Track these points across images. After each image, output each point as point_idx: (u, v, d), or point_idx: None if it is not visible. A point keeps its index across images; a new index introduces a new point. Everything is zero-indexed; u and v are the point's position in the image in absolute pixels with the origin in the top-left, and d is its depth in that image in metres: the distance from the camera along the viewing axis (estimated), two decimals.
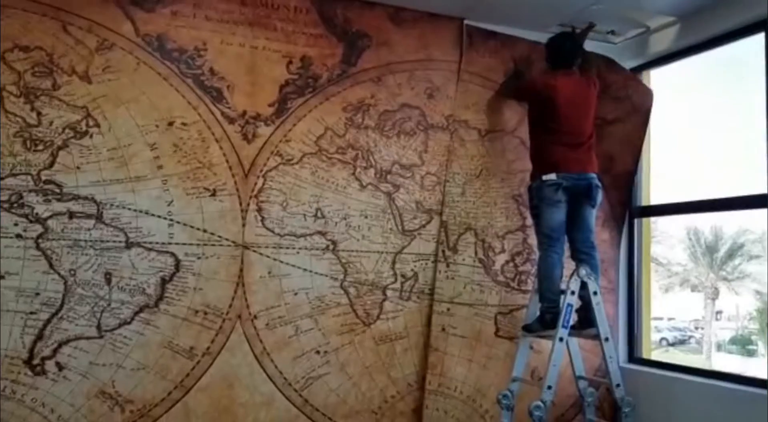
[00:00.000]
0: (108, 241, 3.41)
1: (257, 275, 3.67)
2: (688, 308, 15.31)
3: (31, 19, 3.35)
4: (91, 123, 3.41)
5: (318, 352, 3.77)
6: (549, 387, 3.58)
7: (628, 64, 4.53)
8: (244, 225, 3.66)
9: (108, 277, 3.40)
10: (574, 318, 3.72)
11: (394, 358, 3.93)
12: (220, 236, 3.61)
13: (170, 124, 3.55)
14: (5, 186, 3.25)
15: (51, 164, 3.33)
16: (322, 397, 3.76)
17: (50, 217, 3.32)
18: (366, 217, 3.91)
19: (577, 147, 3.84)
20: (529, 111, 4.06)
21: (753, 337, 14.20)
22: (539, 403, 3.54)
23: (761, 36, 3.76)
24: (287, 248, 3.74)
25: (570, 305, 3.67)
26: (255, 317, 3.66)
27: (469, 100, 4.18)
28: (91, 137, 3.41)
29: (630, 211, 4.50)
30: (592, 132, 3.91)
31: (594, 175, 3.83)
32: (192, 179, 3.57)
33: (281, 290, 3.72)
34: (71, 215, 3.35)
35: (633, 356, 4.45)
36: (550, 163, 3.82)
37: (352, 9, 3.94)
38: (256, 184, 3.70)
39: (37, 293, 3.28)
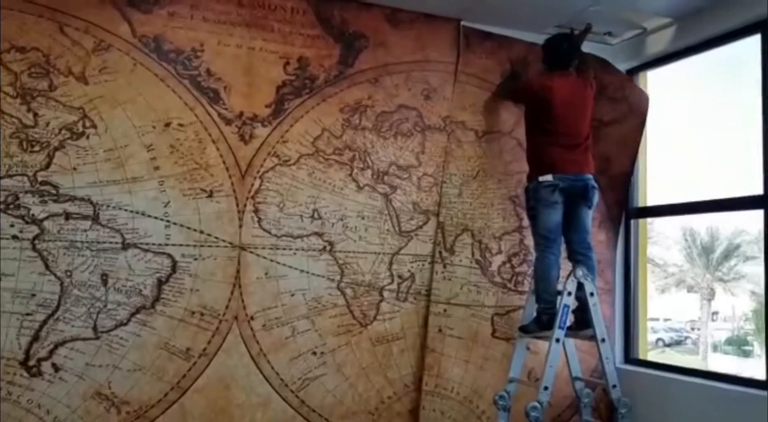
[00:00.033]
0: (104, 242, 3.41)
1: (254, 277, 3.67)
2: (685, 309, 15.35)
3: (28, 20, 3.34)
4: (87, 124, 3.41)
5: (315, 353, 3.77)
6: (546, 388, 3.58)
7: (625, 65, 4.55)
8: (240, 226, 3.66)
9: (104, 278, 3.39)
10: (570, 319, 3.72)
11: (391, 359, 3.93)
12: (216, 238, 3.61)
13: (167, 125, 3.55)
14: (1, 187, 3.24)
15: (47, 165, 3.33)
16: (319, 398, 3.76)
17: (46, 218, 3.31)
18: (363, 218, 3.91)
19: (573, 148, 3.84)
20: (526, 112, 4.06)
21: (749, 338, 14.23)
22: (536, 404, 3.54)
23: (757, 37, 3.77)
24: (284, 249, 3.74)
25: (566, 306, 3.67)
26: (252, 318, 3.66)
27: (466, 101, 4.18)
28: (87, 138, 3.40)
29: (626, 212, 4.51)
30: (589, 133, 3.92)
31: (590, 176, 3.84)
32: (189, 180, 3.57)
33: (278, 292, 3.71)
34: (67, 216, 3.35)
35: (629, 357, 4.46)
36: (547, 164, 3.82)
37: (349, 10, 3.94)
38: (253, 185, 3.70)
39: (33, 295, 3.27)
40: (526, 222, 4.12)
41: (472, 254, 4.13)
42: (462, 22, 4.18)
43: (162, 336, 3.48)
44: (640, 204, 4.53)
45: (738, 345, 14.34)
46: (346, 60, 3.93)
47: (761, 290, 3.71)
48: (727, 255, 15.25)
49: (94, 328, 3.36)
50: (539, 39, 4.14)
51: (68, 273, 3.33)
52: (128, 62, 3.51)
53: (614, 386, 3.72)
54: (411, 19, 4.08)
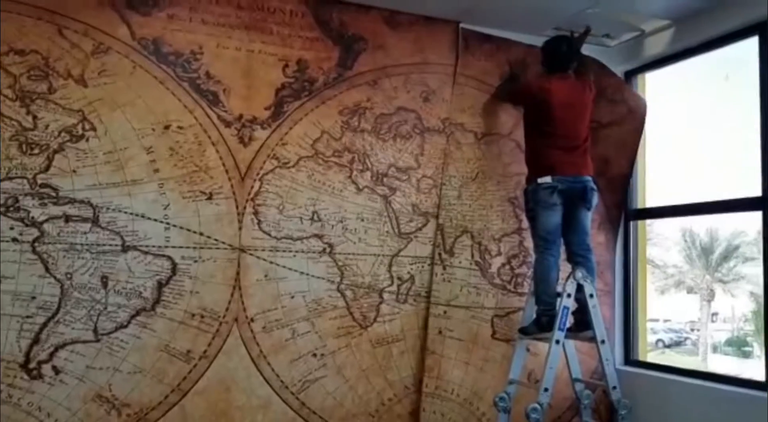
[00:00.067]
0: (104, 244, 3.41)
1: (254, 279, 3.67)
2: (684, 310, 15.34)
3: (27, 23, 3.35)
4: (87, 127, 3.41)
5: (315, 355, 3.77)
6: (546, 390, 3.58)
7: (623, 67, 4.56)
8: (240, 228, 3.66)
9: (104, 281, 3.40)
10: (570, 321, 3.72)
11: (391, 361, 3.93)
12: (216, 240, 3.61)
13: (166, 127, 3.55)
14: (1, 190, 3.24)
15: (47, 168, 3.33)
16: (319, 400, 3.76)
17: (46, 221, 3.31)
18: (362, 220, 3.92)
19: (572, 150, 3.85)
20: (525, 114, 4.07)
21: (748, 339, 14.22)
22: (536, 406, 3.54)
23: (755, 39, 3.78)
24: (284, 251, 3.74)
25: (566, 307, 3.68)
26: (252, 320, 3.66)
27: (465, 103, 4.18)
28: (87, 140, 3.40)
29: (625, 213, 4.52)
30: (588, 135, 3.92)
31: (589, 178, 3.84)
32: (188, 182, 3.57)
33: (278, 294, 3.72)
34: (67, 218, 3.35)
35: (629, 358, 4.46)
36: (546, 166, 3.83)
37: (347, 12, 3.95)
38: (252, 187, 3.70)
39: (34, 297, 3.27)
40: (525, 224, 4.12)
41: (472, 255, 4.14)
42: (461, 25, 4.19)
43: (162, 339, 3.48)
44: (639, 206, 4.54)
45: (738, 346, 14.33)
46: (345, 62, 3.94)
47: (760, 290, 3.71)
48: (726, 256, 15.25)
49: (95, 330, 3.37)
50: (538, 41, 4.15)
51: (68, 276, 3.34)
52: (127, 65, 3.51)
53: (614, 387, 3.73)
54: (410, 21, 4.08)
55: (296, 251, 3.76)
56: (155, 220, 3.50)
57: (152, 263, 3.49)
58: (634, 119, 4.38)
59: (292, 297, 3.74)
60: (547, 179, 3.79)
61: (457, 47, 4.18)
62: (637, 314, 4.50)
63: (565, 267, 3.90)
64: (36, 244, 3.29)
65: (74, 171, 3.37)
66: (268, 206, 3.72)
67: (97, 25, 3.47)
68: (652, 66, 4.48)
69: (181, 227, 3.54)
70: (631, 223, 4.55)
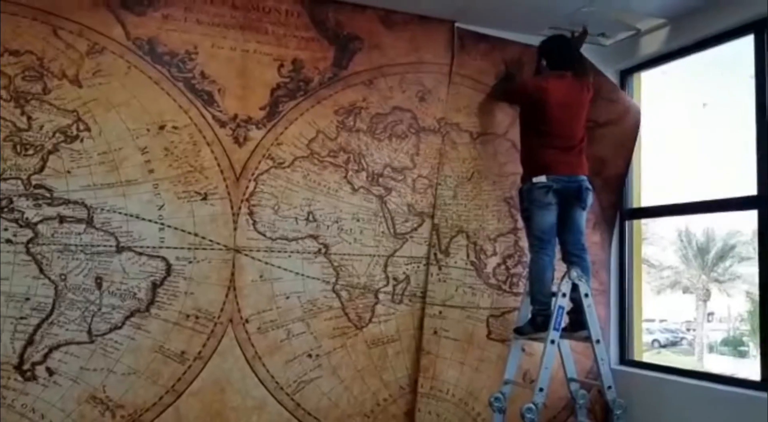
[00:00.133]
0: (98, 245, 3.40)
1: (249, 279, 3.67)
2: (680, 310, 15.36)
3: (21, 23, 3.34)
4: (81, 127, 3.40)
5: (310, 356, 3.77)
6: (541, 390, 3.58)
7: (619, 66, 4.56)
8: (235, 229, 3.65)
9: (99, 282, 3.39)
10: (565, 321, 3.72)
11: (387, 361, 3.93)
12: (211, 240, 3.60)
13: (161, 128, 3.55)
14: None
15: (41, 169, 3.32)
16: (314, 401, 3.76)
17: (40, 222, 3.30)
18: (358, 220, 3.91)
19: (568, 150, 3.85)
20: (521, 114, 4.07)
21: (744, 338, 14.24)
22: (531, 406, 3.54)
23: (751, 38, 3.78)
24: (279, 251, 3.73)
25: (561, 307, 3.68)
26: (246, 321, 3.65)
27: (461, 103, 4.18)
28: (81, 141, 3.40)
29: (621, 213, 4.52)
30: (584, 136, 3.92)
31: (584, 177, 3.84)
32: (183, 182, 3.56)
33: (273, 294, 3.71)
34: (61, 219, 3.34)
35: (624, 358, 4.46)
36: (541, 165, 3.82)
37: (343, 12, 3.95)
38: (247, 187, 3.69)
39: (27, 299, 3.27)
40: (520, 224, 4.12)
41: (467, 255, 4.14)
42: (456, 24, 4.19)
43: (157, 340, 3.47)
44: (635, 205, 4.54)
45: (734, 346, 14.35)
46: (341, 62, 3.93)
47: (756, 290, 3.71)
48: (722, 256, 15.27)
49: (89, 332, 3.36)
50: (533, 41, 4.15)
51: (62, 277, 3.33)
52: (122, 65, 3.51)
53: (609, 387, 3.73)
54: (405, 20, 4.08)
55: (291, 252, 3.76)
56: (150, 221, 3.49)
57: (147, 264, 3.48)
58: (630, 120, 4.38)
59: (287, 298, 3.74)
60: (542, 179, 3.78)
61: (453, 47, 4.18)
62: (633, 314, 4.50)
63: (560, 267, 3.90)
64: (30, 245, 3.28)
65: (69, 172, 3.36)
66: (263, 206, 3.72)
67: (92, 26, 3.47)
68: (647, 65, 4.48)
69: (175, 228, 3.54)
70: (627, 222, 4.55)
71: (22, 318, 3.25)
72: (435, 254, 4.06)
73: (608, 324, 4.42)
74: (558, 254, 3.90)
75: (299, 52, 3.84)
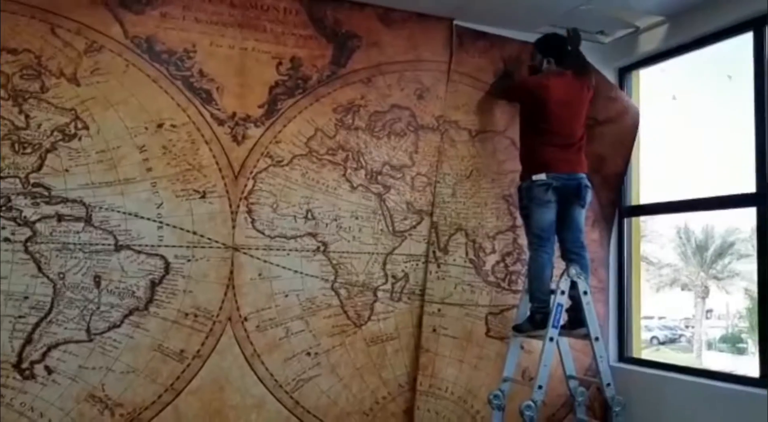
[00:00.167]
0: (97, 244, 3.39)
1: (247, 278, 3.67)
2: (679, 307, 15.37)
3: (19, 22, 3.33)
4: (79, 125, 3.40)
5: (309, 354, 3.76)
6: (540, 387, 3.58)
7: (617, 64, 4.56)
8: (234, 227, 3.65)
9: (97, 280, 3.38)
10: (564, 318, 3.72)
11: (385, 359, 3.93)
12: (209, 239, 3.60)
13: (159, 126, 3.54)
14: None
15: (39, 167, 3.31)
16: (313, 399, 3.76)
17: (39, 220, 3.30)
18: (357, 218, 3.91)
19: (567, 148, 3.84)
20: (521, 111, 4.06)
21: (743, 335, 14.26)
22: (530, 403, 3.54)
23: (749, 35, 3.78)
24: (278, 249, 3.73)
25: (560, 305, 3.68)
26: (245, 319, 3.65)
27: (459, 100, 4.18)
28: (79, 139, 3.39)
29: (620, 210, 4.52)
30: (583, 134, 3.92)
31: (583, 175, 3.84)
32: (181, 181, 3.56)
33: (272, 292, 3.71)
34: (60, 218, 3.34)
35: (623, 355, 4.47)
36: (541, 163, 3.82)
37: (341, 10, 3.94)
38: (246, 186, 3.69)
39: (26, 297, 3.26)
40: (519, 221, 4.12)
41: (466, 253, 4.14)
42: (455, 22, 4.18)
43: (155, 338, 3.47)
44: (634, 202, 4.54)
45: (732, 343, 14.37)
46: (339, 60, 3.93)
47: (755, 287, 3.72)
48: (721, 253, 15.28)
49: (87, 330, 3.35)
50: (532, 38, 4.15)
51: (61, 275, 3.32)
52: (120, 63, 3.50)
53: (608, 384, 3.73)
54: (403, 18, 4.08)
55: (290, 250, 3.76)
56: (148, 219, 3.49)
57: (145, 262, 3.48)
58: (629, 118, 4.38)
59: (286, 296, 3.73)
60: (542, 176, 3.78)
61: (451, 44, 4.17)
62: (631, 311, 4.51)
63: (559, 264, 3.90)
64: (28, 243, 3.28)
65: (67, 170, 3.36)
66: (262, 204, 3.71)
67: (90, 24, 3.46)
68: (646, 62, 4.48)
69: (174, 226, 3.53)
70: (626, 220, 4.56)
71: (20, 316, 3.25)
72: (434, 251, 4.06)
73: (607, 322, 4.43)
74: (557, 252, 3.90)
75: (298, 50, 3.84)
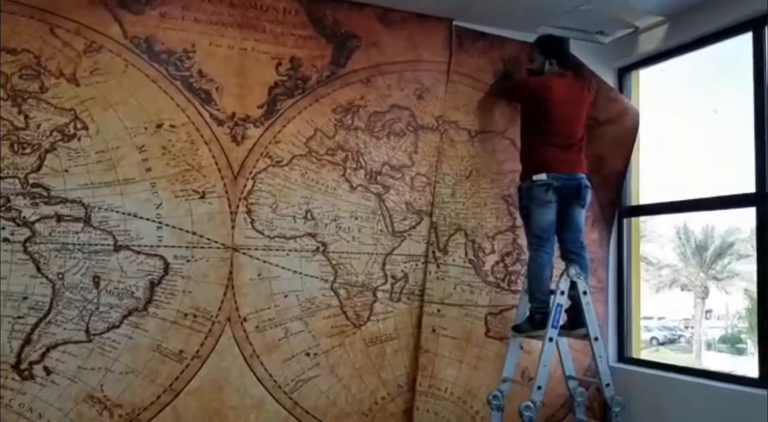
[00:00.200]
0: (96, 244, 3.39)
1: (247, 278, 3.66)
2: (678, 308, 15.37)
3: (19, 22, 3.33)
4: (79, 126, 3.39)
5: (308, 354, 3.76)
6: (539, 388, 3.58)
7: (617, 64, 4.56)
8: (233, 227, 3.65)
9: (96, 280, 3.38)
10: (563, 318, 3.72)
11: (385, 360, 3.93)
12: (209, 239, 3.60)
13: (159, 126, 3.54)
14: None
15: (38, 167, 3.31)
16: (313, 400, 3.76)
17: (38, 220, 3.30)
18: (356, 218, 3.91)
19: (568, 148, 3.85)
20: (522, 111, 4.05)
21: (742, 336, 14.26)
22: (529, 403, 3.54)
23: (749, 35, 3.78)
24: (277, 250, 3.73)
25: (560, 305, 3.68)
26: (244, 319, 3.65)
27: (459, 101, 4.18)
28: (79, 139, 3.39)
29: (619, 210, 4.52)
30: (584, 135, 3.92)
31: (583, 175, 3.84)
32: (181, 181, 3.55)
33: (271, 293, 3.71)
34: (59, 218, 3.33)
35: (623, 355, 4.46)
36: (541, 163, 3.82)
37: (341, 10, 3.94)
38: (245, 186, 3.69)
39: (25, 298, 3.26)
40: (519, 222, 4.12)
41: (466, 253, 4.13)
42: (454, 22, 4.18)
43: (154, 338, 3.47)
44: (633, 203, 4.54)
45: (732, 343, 14.36)
46: (339, 60, 3.93)
47: (754, 288, 3.72)
48: (720, 254, 15.27)
49: (86, 331, 3.35)
50: (531, 38, 4.14)
51: (60, 276, 3.32)
52: (119, 63, 3.50)
53: (608, 385, 3.73)
54: (403, 18, 4.07)
55: (289, 250, 3.75)
56: (147, 219, 3.49)
57: (144, 262, 3.47)
58: (629, 119, 4.38)
59: (285, 296, 3.73)
60: (542, 176, 3.78)
61: (451, 45, 4.17)
62: (631, 312, 4.51)
63: (558, 265, 3.90)
64: (27, 244, 3.28)
65: (66, 170, 3.36)
66: (261, 204, 3.71)
67: (89, 24, 3.46)
68: (645, 63, 4.48)
69: (173, 227, 3.53)
70: (625, 220, 4.55)
71: (19, 317, 3.24)
72: (433, 252, 4.06)
73: (606, 322, 4.42)
74: (556, 252, 3.90)
75: (297, 50, 3.84)
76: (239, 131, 3.70)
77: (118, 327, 3.40)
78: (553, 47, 4.00)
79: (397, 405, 3.94)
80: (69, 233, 3.34)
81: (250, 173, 3.70)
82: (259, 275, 3.69)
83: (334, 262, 3.84)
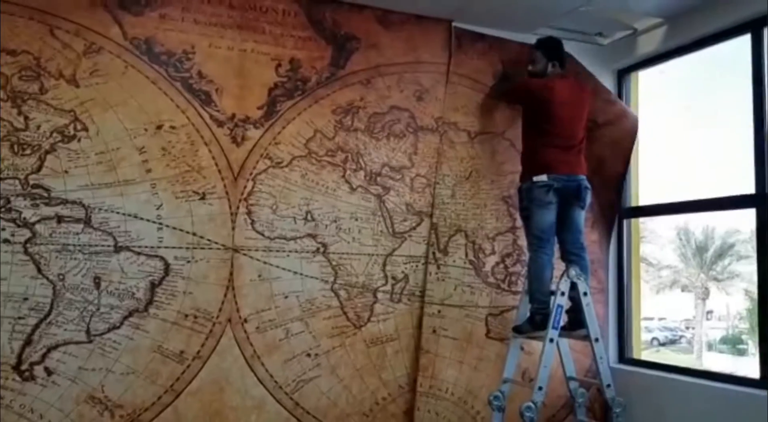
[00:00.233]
0: (97, 245, 3.40)
1: (247, 279, 3.67)
2: (679, 309, 15.37)
3: (18, 23, 3.34)
4: (78, 127, 3.40)
5: (309, 355, 3.76)
6: (540, 388, 3.58)
7: (616, 65, 4.56)
8: (233, 228, 3.65)
9: (97, 281, 3.38)
10: (564, 319, 3.72)
11: (385, 360, 3.93)
12: (209, 240, 3.60)
13: (159, 127, 3.54)
14: None
15: (39, 169, 3.32)
16: (313, 400, 3.76)
17: (38, 221, 3.30)
18: (356, 219, 3.91)
19: (568, 150, 3.85)
20: (524, 112, 4.05)
21: (743, 336, 14.25)
22: (530, 404, 3.54)
23: (747, 37, 3.78)
24: (277, 251, 3.73)
25: (560, 306, 3.68)
26: (245, 320, 3.65)
27: (458, 102, 4.18)
28: (79, 140, 3.39)
29: (619, 211, 4.51)
30: (584, 137, 3.93)
31: (583, 177, 3.85)
32: (181, 182, 3.56)
33: (271, 294, 3.71)
34: (59, 219, 3.34)
35: (623, 356, 4.46)
36: (542, 164, 3.82)
37: (340, 12, 3.94)
38: (245, 187, 3.69)
39: (26, 298, 3.26)
40: (519, 223, 4.12)
41: (466, 254, 4.14)
42: (453, 23, 4.19)
43: (155, 339, 3.47)
44: (633, 204, 4.54)
45: (732, 344, 14.35)
46: (338, 62, 3.93)
47: (755, 288, 3.72)
48: (721, 254, 15.27)
49: (87, 331, 3.35)
50: (530, 40, 4.15)
51: (60, 277, 3.32)
52: (119, 65, 3.50)
53: (608, 385, 3.73)
54: (402, 20, 4.08)
55: (290, 251, 3.76)
56: (148, 220, 3.49)
57: (145, 263, 3.48)
58: (628, 121, 4.38)
59: (286, 297, 3.74)
60: (543, 178, 3.79)
61: (450, 46, 4.18)
62: (631, 312, 4.50)
63: (558, 266, 3.90)
64: (28, 245, 3.28)
65: (66, 172, 3.36)
66: (261, 205, 3.71)
67: (89, 25, 3.47)
68: (644, 64, 4.48)
69: (173, 228, 3.53)
70: (625, 221, 4.55)
71: (20, 317, 3.25)
72: (433, 253, 4.06)
73: (607, 323, 4.42)
74: (557, 253, 3.90)
75: (297, 51, 3.84)
76: (239, 132, 3.70)
77: (118, 327, 3.41)
78: (556, 49, 4.01)
79: (398, 406, 3.95)
80: (69, 234, 3.35)
81: (251, 174, 3.71)
82: (259, 276, 3.69)
83: (334, 263, 3.84)
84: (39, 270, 3.29)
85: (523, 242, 4.13)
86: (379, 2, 3.96)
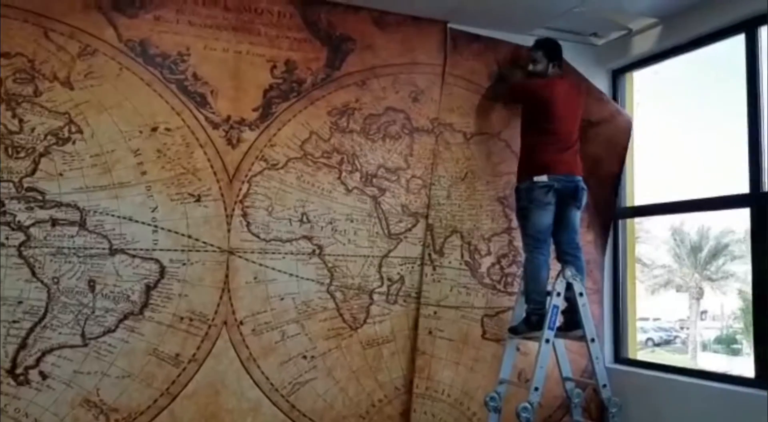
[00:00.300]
0: (91, 248, 3.38)
1: (243, 281, 3.66)
2: (674, 309, 15.42)
3: (12, 26, 3.32)
4: (73, 129, 3.39)
5: (305, 357, 3.76)
6: (536, 389, 3.58)
7: (611, 65, 4.57)
8: (229, 231, 3.64)
9: (92, 284, 3.37)
10: (560, 320, 3.72)
11: (382, 362, 3.93)
12: (205, 242, 3.59)
13: (154, 129, 3.53)
14: None
15: (33, 171, 3.30)
16: (310, 402, 3.75)
17: (33, 224, 3.29)
18: (352, 221, 3.91)
19: (565, 150, 3.86)
20: (523, 113, 4.04)
21: (738, 336, 14.31)
22: (526, 405, 3.54)
23: (742, 37, 3.79)
24: (273, 253, 3.72)
25: (556, 306, 3.68)
26: (241, 323, 3.64)
27: (454, 103, 4.18)
28: (73, 143, 3.38)
29: (614, 212, 4.52)
30: (578, 137, 3.94)
31: (580, 177, 3.85)
32: (176, 184, 3.55)
33: (267, 296, 3.70)
34: (54, 222, 3.32)
35: (619, 356, 4.47)
36: (542, 165, 3.82)
37: (335, 13, 3.94)
38: (241, 189, 3.68)
39: (20, 302, 3.25)
40: (514, 223, 4.12)
41: (462, 255, 4.13)
42: (449, 24, 4.19)
43: (151, 342, 3.46)
44: (628, 204, 4.54)
45: (727, 344, 14.41)
46: (333, 63, 3.93)
47: (749, 288, 3.73)
48: (715, 254, 15.33)
49: (82, 335, 3.34)
50: (526, 41, 4.16)
51: (55, 280, 3.31)
52: (114, 67, 3.49)
53: (604, 386, 3.73)
54: (398, 21, 4.08)
55: (285, 253, 3.75)
56: (143, 223, 3.48)
57: (140, 266, 3.47)
58: (622, 120, 4.39)
59: (282, 299, 3.73)
60: (543, 178, 3.78)
61: (446, 47, 4.18)
62: (627, 313, 4.51)
63: (554, 266, 3.90)
64: (22, 248, 3.27)
65: (61, 174, 3.35)
66: (257, 207, 3.71)
67: (84, 28, 3.46)
68: (639, 64, 4.49)
69: (169, 230, 3.52)
70: (620, 221, 4.56)
71: (14, 321, 3.23)
72: (429, 254, 4.06)
73: (602, 323, 4.43)
74: (552, 254, 3.90)
75: (292, 53, 3.84)
76: (234, 134, 3.70)
77: (113, 331, 3.40)
78: (555, 50, 4.01)
79: (395, 408, 3.94)
80: (64, 237, 3.34)
81: (246, 176, 3.70)
82: (255, 278, 3.68)
83: (330, 265, 3.84)
84: (33, 273, 3.28)
85: (518, 242, 4.13)
86: (374, 3, 3.96)
